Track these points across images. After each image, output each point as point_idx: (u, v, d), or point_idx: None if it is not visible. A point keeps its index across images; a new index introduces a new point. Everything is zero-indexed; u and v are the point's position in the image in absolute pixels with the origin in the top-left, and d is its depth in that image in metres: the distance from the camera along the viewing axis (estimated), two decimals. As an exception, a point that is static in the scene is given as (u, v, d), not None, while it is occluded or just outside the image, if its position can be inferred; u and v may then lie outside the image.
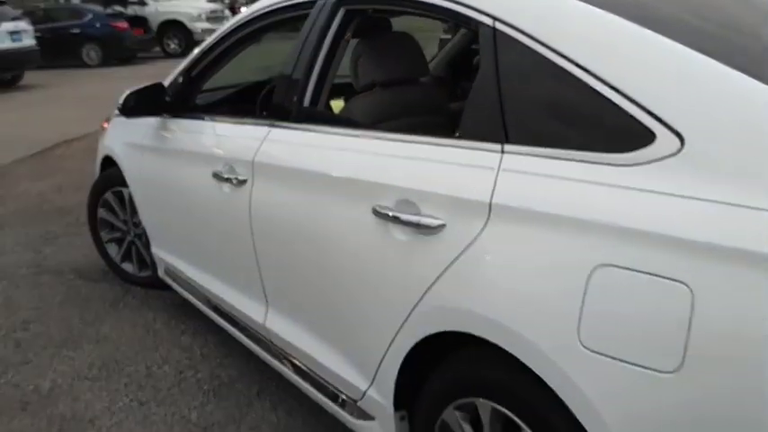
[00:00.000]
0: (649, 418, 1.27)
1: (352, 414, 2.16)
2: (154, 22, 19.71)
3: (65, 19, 18.26)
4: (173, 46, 19.40)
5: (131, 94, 3.12)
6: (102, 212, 3.97)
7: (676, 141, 1.31)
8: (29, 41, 14.48)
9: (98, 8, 18.67)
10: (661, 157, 1.32)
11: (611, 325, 1.32)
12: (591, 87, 1.46)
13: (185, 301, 3.31)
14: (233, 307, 2.76)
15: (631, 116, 1.38)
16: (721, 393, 1.19)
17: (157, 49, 19.13)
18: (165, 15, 19.80)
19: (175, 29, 19.32)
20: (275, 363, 2.57)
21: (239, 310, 2.71)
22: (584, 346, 1.34)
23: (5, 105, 12.12)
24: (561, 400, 1.40)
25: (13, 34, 13.90)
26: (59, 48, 17.22)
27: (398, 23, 2.67)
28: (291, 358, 2.45)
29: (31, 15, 17.10)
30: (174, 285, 3.38)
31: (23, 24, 14.46)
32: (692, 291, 1.20)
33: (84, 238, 4.43)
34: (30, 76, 15.09)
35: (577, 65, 1.49)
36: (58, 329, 3.47)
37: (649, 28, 1.45)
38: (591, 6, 1.56)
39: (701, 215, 1.23)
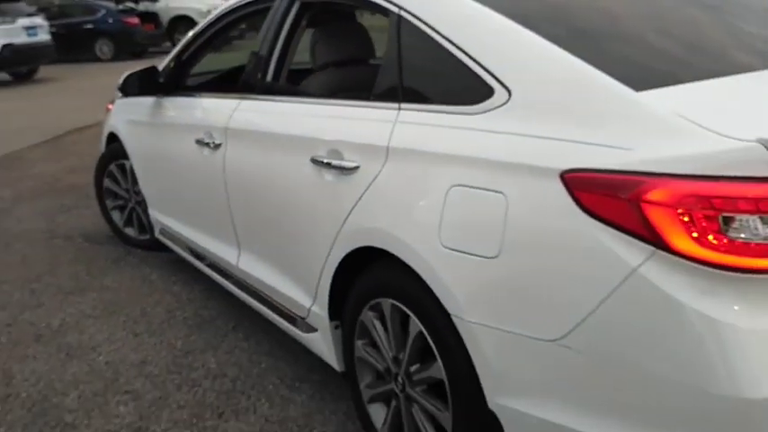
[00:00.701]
0: (484, 292, 1.77)
1: (302, 330, 2.67)
2: (164, 18, 20.35)
3: (78, 15, 18.89)
4: (182, 41, 19.95)
5: (129, 75, 3.65)
6: (107, 182, 4.51)
7: (506, 94, 1.80)
8: (44, 36, 15.10)
9: (110, 4, 19.30)
10: (496, 106, 1.82)
11: (459, 228, 1.82)
12: (456, 58, 1.95)
13: (178, 258, 3.84)
14: (214, 255, 3.28)
15: (480, 77, 1.87)
16: (529, 272, 1.68)
17: (168, 43, 19.68)
18: (175, 11, 20.44)
19: (185, 24, 19.86)
20: (246, 297, 3.08)
21: (219, 256, 3.22)
22: (443, 246, 1.84)
23: (22, 97, 12.74)
24: (430, 288, 1.90)
25: (29, 29, 14.52)
26: (73, 42, 17.86)
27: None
28: (258, 291, 2.96)
29: (46, 11, 17.73)
30: (168, 242, 3.91)
31: (39, 20, 15.08)
32: (506, 197, 1.70)
33: (93, 209, 4.96)
34: (45, 70, 15.72)
35: (449, 41, 1.99)
36: (67, 281, 4.01)
37: (504, 15, 1.95)
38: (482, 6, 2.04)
39: (516, 145, 1.72)
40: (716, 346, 1.39)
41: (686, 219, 1.40)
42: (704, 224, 1.40)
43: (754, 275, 1.39)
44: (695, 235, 1.40)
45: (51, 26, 16.01)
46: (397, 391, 2.16)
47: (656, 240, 1.44)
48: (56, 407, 2.76)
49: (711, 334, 1.40)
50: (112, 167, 4.44)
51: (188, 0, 20.43)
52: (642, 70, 1.76)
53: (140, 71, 3.65)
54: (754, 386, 1.37)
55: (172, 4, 20.62)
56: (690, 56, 1.92)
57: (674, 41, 2.00)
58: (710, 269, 1.40)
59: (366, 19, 3.34)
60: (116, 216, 4.57)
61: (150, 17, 19.65)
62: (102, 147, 4.56)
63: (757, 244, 1.38)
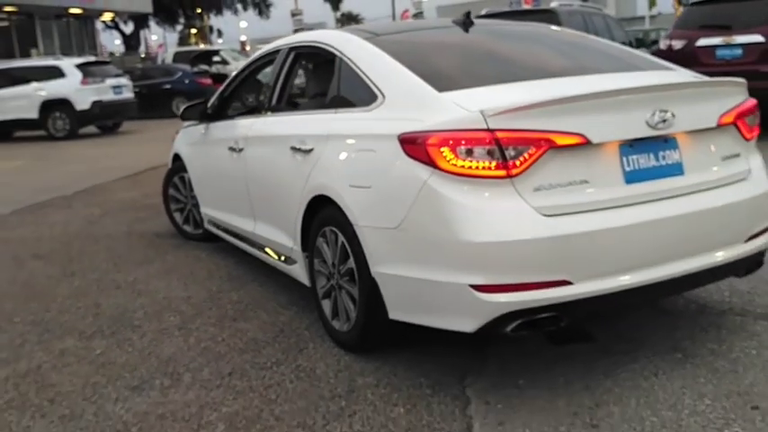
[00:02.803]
0: (365, 207, 3.10)
1: (289, 264, 4.05)
2: (234, 79, 22.47)
3: (159, 76, 21.26)
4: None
5: (187, 107, 5.20)
6: (171, 191, 6.05)
7: (382, 98, 3.19)
8: (128, 95, 17.32)
9: (186, 67, 21.61)
10: (377, 106, 3.21)
11: (355, 173, 3.18)
12: (363, 80, 3.36)
13: (220, 246, 5.29)
14: (240, 228, 4.72)
15: (372, 91, 3.27)
16: (384, 191, 3.02)
17: (236, 101, 21.68)
18: (243, 72, 22.55)
19: (252, 84, 21.87)
20: (259, 254, 4.49)
21: (243, 228, 4.66)
22: (349, 185, 3.22)
23: (107, 145, 14.81)
24: (344, 211, 3.25)
25: (115, 88, 16.74)
26: (153, 100, 20.08)
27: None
28: (265, 246, 4.37)
29: (131, 73, 20.12)
30: (212, 229, 5.38)
31: (124, 80, 17.33)
32: (376, 152, 3.06)
33: (162, 219, 6.48)
34: (128, 124, 17.92)
35: (361, 70, 3.40)
36: (139, 257, 5.51)
37: (386, 52, 3.36)
38: (370, 45, 3.47)
39: (383, 124, 3.09)
40: (460, 215, 2.72)
41: (443, 151, 2.75)
42: (450, 154, 2.73)
43: (477, 179, 2.72)
44: (448, 159, 2.74)
45: (135, 86, 18.27)
46: (334, 284, 3.51)
47: (432, 164, 2.78)
48: (128, 318, 4.20)
49: (458, 209, 2.72)
50: (176, 179, 5.98)
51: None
52: (448, 79, 3.12)
53: (194, 103, 5.19)
54: (475, 235, 2.69)
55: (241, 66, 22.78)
56: (483, 71, 3.29)
57: (477, 62, 3.38)
58: (456, 176, 2.73)
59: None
60: (177, 217, 6.08)
61: (221, 78, 21.77)
62: (169, 164, 6.12)
63: (475, 162, 2.71)
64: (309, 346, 3.60)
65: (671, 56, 9.70)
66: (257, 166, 4.29)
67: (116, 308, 4.39)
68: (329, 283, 3.57)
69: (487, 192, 2.73)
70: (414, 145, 2.85)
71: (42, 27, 27.28)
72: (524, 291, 2.70)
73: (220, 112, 5.19)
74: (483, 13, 11.85)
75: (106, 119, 17.06)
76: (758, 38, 9.00)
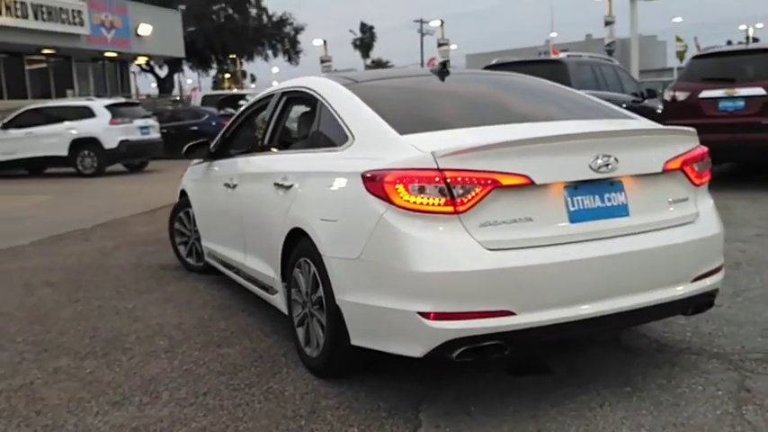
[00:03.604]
0: (331, 239, 3.34)
1: (269, 293, 4.28)
2: (259, 122, 23.10)
3: (187, 118, 21.92)
4: (273, 141, 22.61)
5: (190, 145, 5.52)
6: (176, 225, 6.35)
7: (352, 139, 3.46)
8: (155, 135, 17.92)
9: (213, 110, 22.26)
10: (348, 146, 3.47)
11: (325, 207, 3.44)
12: (338, 123, 3.63)
13: (219, 278, 5.55)
14: (233, 260, 4.98)
15: (345, 133, 3.54)
16: (346, 225, 3.25)
17: (260, 143, 22.23)
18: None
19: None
20: (248, 285, 4.73)
21: (236, 260, 4.92)
22: (320, 219, 3.47)
23: (132, 182, 15.30)
24: (314, 243, 3.50)
25: (143, 129, 17.34)
26: (180, 141, 20.31)
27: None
28: (254, 278, 4.61)
29: (160, 115, 20.80)
30: (211, 261, 5.65)
31: (151, 121, 17.95)
32: (344, 188, 3.31)
33: (169, 252, 6.78)
34: (154, 163, 18.49)
35: (338, 114, 3.68)
36: (142, 287, 5.79)
37: (360, 97, 3.63)
38: (347, 90, 3.75)
39: (350, 162, 3.34)
40: (411, 246, 2.94)
41: (397, 188, 2.99)
42: (404, 190, 2.97)
43: (428, 214, 2.95)
44: (401, 196, 2.98)
45: (164, 127, 18.89)
46: (306, 312, 3.73)
47: (388, 200, 3.02)
48: (121, 341, 4.45)
49: (409, 241, 2.95)
50: (181, 214, 6.29)
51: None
52: (411, 123, 3.37)
53: (198, 142, 5.52)
54: (424, 264, 2.91)
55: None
56: (444, 116, 3.54)
57: (440, 108, 3.65)
58: (409, 212, 2.97)
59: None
60: (182, 249, 6.38)
61: (247, 120, 22.42)
62: (176, 199, 6.44)
63: (426, 199, 2.94)
64: (283, 371, 3.81)
65: (675, 107, 9.98)
66: (247, 202, 4.56)
67: (111, 331, 4.65)
68: (303, 312, 3.79)
69: (436, 226, 2.95)
70: (373, 182, 3.09)
71: (78, 69, 28.35)
72: (468, 319, 2.90)
73: (222, 151, 5.50)
74: (493, 62, 12.20)
75: (133, 158, 17.64)
76: (760, 90, 9.18)
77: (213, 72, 52.84)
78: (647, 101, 12.54)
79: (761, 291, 4.80)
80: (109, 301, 5.45)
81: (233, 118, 5.48)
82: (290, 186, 3.86)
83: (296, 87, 4.47)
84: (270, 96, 4.83)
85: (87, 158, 16.90)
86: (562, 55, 11.62)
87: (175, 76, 47.91)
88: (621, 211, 3.19)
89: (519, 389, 3.44)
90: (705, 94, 9.68)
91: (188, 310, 5.08)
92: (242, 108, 5.34)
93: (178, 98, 37.39)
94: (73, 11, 24.68)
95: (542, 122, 3.43)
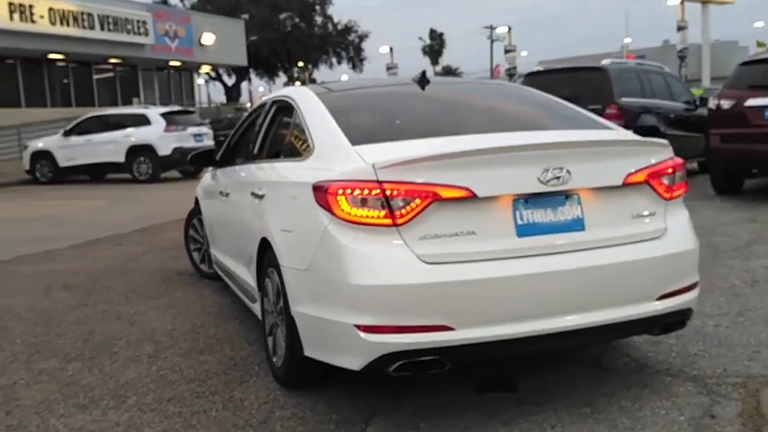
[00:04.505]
0: (286, 248, 3.34)
1: (251, 301, 4.31)
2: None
3: (243, 125, 22.31)
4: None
5: (194, 154, 5.62)
6: (190, 232, 6.47)
7: (314, 149, 3.45)
8: (208, 142, 18.32)
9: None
10: (310, 156, 3.46)
11: (283, 216, 3.44)
12: (307, 135, 3.63)
13: (225, 285, 5.63)
14: (227, 267, 5.04)
15: (309, 144, 3.53)
16: (297, 234, 3.24)
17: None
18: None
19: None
20: (238, 292, 4.78)
21: (229, 267, 4.97)
22: (281, 229, 3.47)
23: (183, 188, 15.59)
24: (275, 252, 3.50)
25: (196, 136, 17.77)
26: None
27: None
28: (242, 286, 4.65)
29: (219, 122, 21.28)
30: (215, 267, 5.73)
31: (205, 129, 18.40)
32: (297, 198, 3.30)
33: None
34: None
35: (307, 126, 3.68)
36: (151, 293, 5.92)
37: (327, 108, 3.62)
38: (317, 100, 3.75)
39: (307, 172, 3.33)
40: (350, 259, 2.91)
41: (339, 200, 2.96)
42: (345, 202, 2.94)
43: (367, 227, 2.91)
44: (342, 207, 2.95)
45: (221, 134, 19.32)
46: (274, 321, 3.74)
47: (331, 211, 3.00)
48: (111, 345, 4.55)
49: (349, 253, 2.92)
50: (195, 221, 6.41)
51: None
52: (367, 134, 3.34)
53: (202, 151, 5.62)
54: (360, 277, 2.87)
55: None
56: (403, 127, 3.49)
57: (403, 118, 3.60)
58: (350, 223, 2.94)
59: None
60: (195, 256, 6.49)
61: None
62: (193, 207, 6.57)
63: (366, 211, 2.90)
64: (251, 380, 3.83)
65: (719, 116, 9.60)
66: (234, 210, 4.62)
67: (105, 336, 4.77)
68: (272, 321, 3.80)
69: (375, 239, 2.92)
70: (320, 193, 3.07)
71: (144, 78, 29.31)
72: (405, 333, 2.85)
73: (227, 159, 5.58)
74: (535, 69, 12.01)
75: (186, 164, 18.08)
76: (808, 99, 8.75)
77: (279, 80, 53.80)
78: (699, 109, 12.11)
79: (767, 311, 4.56)
80: (115, 305, 5.59)
81: (236, 126, 5.55)
82: (263, 196, 3.88)
83: (280, 96, 4.49)
84: (263, 105, 4.87)
85: (143, 165, 17.44)
86: (605, 62, 11.30)
87: (243, 85, 49.02)
88: (576, 225, 3.08)
89: (478, 406, 3.36)
90: (751, 102, 9.28)
91: (185, 316, 5.17)
92: (244, 116, 5.41)
93: (241, 106, 38.24)
94: (138, 21, 25.56)
95: (498, 133, 3.32)
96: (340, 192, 2.96)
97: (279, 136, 4.45)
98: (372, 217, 2.91)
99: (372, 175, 2.91)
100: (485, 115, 3.80)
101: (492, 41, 73.31)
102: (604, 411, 3.22)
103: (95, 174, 18.67)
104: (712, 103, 9.90)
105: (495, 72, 53.43)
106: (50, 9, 21.87)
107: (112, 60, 26.63)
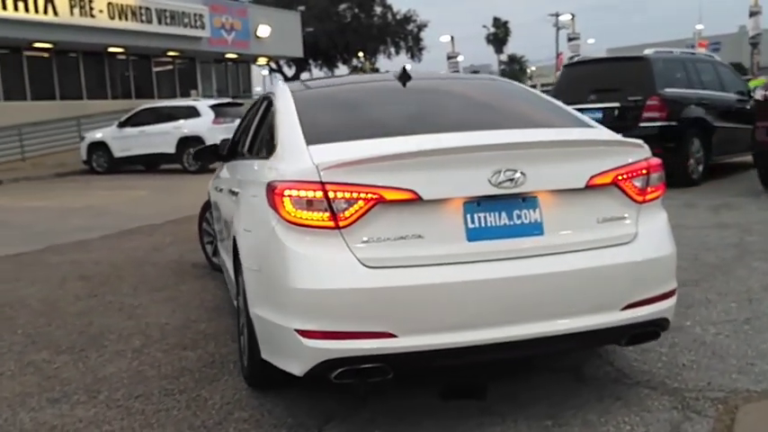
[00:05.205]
0: (245, 249, 3.29)
1: (234, 299, 4.29)
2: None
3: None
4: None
5: (197, 149, 5.64)
6: (204, 225, 6.52)
7: (278, 148, 3.38)
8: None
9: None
10: (273, 155, 3.39)
11: (245, 215, 3.39)
12: (274, 130, 3.57)
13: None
14: (221, 258, 5.04)
15: (274, 143, 3.47)
16: (252, 233, 3.18)
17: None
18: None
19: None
20: (232, 288, 4.77)
21: (222, 259, 4.97)
22: (243, 229, 3.43)
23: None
24: (239, 255, 3.46)
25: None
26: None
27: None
28: (230, 284, 4.64)
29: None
30: (218, 261, 5.74)
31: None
32: (257, 196, 3.24)
33: (208, 249, 6.99)
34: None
35: (276, 120, 3.61)
36: (158, 285, 5.98)
37: (295, 106, 3.55)
38: (290, 97, 3.68)
39: (267, 171, 3.27)
40: (291, 261, 2.84)
41: (284, 201, 2.89)
42: (289, 203, 2.87)
43: (310, 228, 2.83)
44: (286, 208, 2.88)
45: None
46: (243, 320, 3.70)
47: (277, 212, 2.93)
48: (103, 338, 4.61)
49: (290, 256, 2.85)
50: (207, 214, 6.45)
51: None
52: (324, 133, 3.24)
53: (205, 146, 5.63)
54: (300, 281, 2.80)
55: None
56: (364, 126, 3.38)
57: (367, 117, 3.50)
58: (293, 225, 2.87)
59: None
60: (208, 249, 6.54)
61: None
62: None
63: (308, 213, 2.83)
64: (223, 379, 3.81)
65: (765, 107, 9.12)
66: (224, 207, 4.61)
67: (101, 328, 4.83)
68: (241, 321, 3.77)
69: (317, 241, 2.84)
70: (269, 193, 3.01)
71: (202, 70, 29.83)
72: (345, 339, 2.76)
73: (233, 153, 5.58)
74: (575, 60, 11.64)
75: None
76: None
77: (338, 71, 53.99)
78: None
79: (777, 319, 4.29)
80: (122, 297, 5.67)
81: (240, 120, 5.54)
82: (237, 194, 3.85)
83: (268, 93, 4.45)
84: (257, 101, 4.84)
85: (192, 156, 17.73)
86: (647, 51, 10.88)
87: (303, 76, 49.38)
88: (534, 229, 2.93)
89: (440, 414, 3.25)
90: (800, 93, 8.79)
91: (182, 310, 5.20)
92: (246, 111, 5.39)
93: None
94: (194, 15, 25.99)
95: (452, 133, 3.17)
96: (286, 192, 2.89)
97: (259, 133, 4.42)
98: (315, 219, 2.83)
99: (316, 176, 2.83)
100: (449, 114, 3.66)
101: (558, 29, 71.79)
102: (567, 425, 3.06)
103: (149, 164, 19.12)
104: (759, 95, 9.42)
105: (558, 61, 52.32)
106: (109, 4, 22.47)
107: (171, 53, 27.18)
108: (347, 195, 2.79)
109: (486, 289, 2.82)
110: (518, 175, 2.85)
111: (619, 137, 3.27)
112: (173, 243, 8.17)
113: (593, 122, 3.57)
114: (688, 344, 3.92)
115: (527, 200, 2.93)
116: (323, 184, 2.81)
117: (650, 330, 3.13)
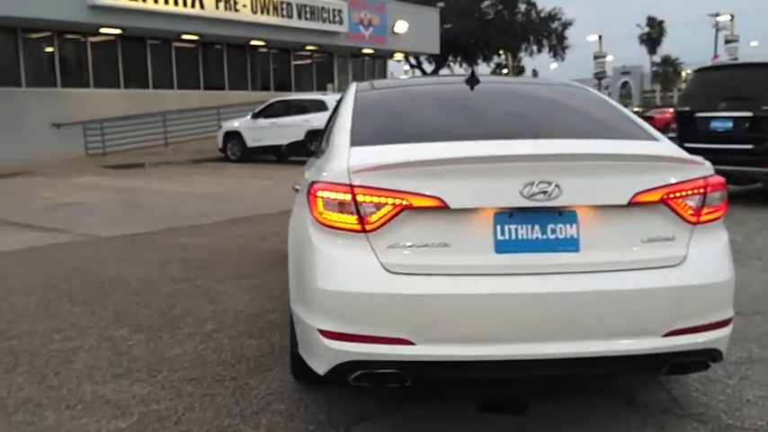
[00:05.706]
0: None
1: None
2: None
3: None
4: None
5: (288, 143, 5.81)
6: (296, 218, 6.71)
7: (328, 150, 3.42)
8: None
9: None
10: (323, 154, 3.44)
11: (294, 214, 3.46)
12: (332, 131, 3.62)
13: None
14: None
15: (328, 144, 3.51)
16: (297, 234, 3.25)
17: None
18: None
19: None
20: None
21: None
22: (291, 226, 3.50)
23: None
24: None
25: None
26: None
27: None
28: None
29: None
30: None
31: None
32: (299, 192, 3.31)
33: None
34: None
35: (336, 119, 3.66)
36: (249, 273, 6.22)
37: (354, 107, 3.57)
38: (352, 97, 3.71)
39: (317, 170, 3.32)
40: (320, 262, 2.87)
41: (317, 202, 2.92)
42: (321, 205, 2.90)
43: (339, 231, 2.85)
44: (319, 210, 2.91)
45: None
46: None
47: (312, 212, 2.97)
48: (181, 320, 4.86)
49: (319, 257, 2.88)
50: (300, 208, 6.63)
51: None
52: (371, 136, 3.22)
53: (295, 141, 5.80)
54: (326, 283, 2.82)
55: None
56: (413, 129, 3.33)
57: (419, 120, 3.45)
58: (324, 227, 2.90)
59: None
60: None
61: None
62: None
63: (338, 216, 2.84)
64: (274, 370, 3.92)
65: None
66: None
67: (182, 311, 5.10)
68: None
69: (345, 244, 2.85)
70: (308, 193, 3.06)
71: (339, 64, 30.52)
72: (363, 343, 2.76)
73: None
74: (709, 65, 10.92)
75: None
76: None
77: (479, 69, 53.56)
78: None
79: None
80: (212, 282, 5.95)
81: (329, 117, 5.65)
82: (298, 191, 3.93)
83: (344, 92, 4.51)
84: (339, 99, 4.92)
85: (319, 148, 18.25)
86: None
87: (442, 72, 49.43)
88: (569, 245, 2.80)
89: (471, 426, 3.19)
90: None
91: (262, 298, 5.38)
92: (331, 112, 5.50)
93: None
94: (334, 10, 26.62)
95: (490, 141, 3.06)
96: (318, 193, 2.93)
97: (325, 132, 4.50)
98: (343, 221, 2.85)
99: (346, 179, 2.84)
100: (498, 121, 3.53)
101: (717, 30, 67.57)
102: (596, 452, 2.92)
103: (278, 154, 19.86)
104: None
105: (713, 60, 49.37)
106: (252, -1, 23.52)
107: (309, 47, 28.02)
108: (375, 200, 2.78)
109: (512, 303, 2.73)
110: (552, 187, 2.73)
111: (677, 152, 3.05)
112: (279, 233, 8.42)
113: (659, 135, 3.35)
114: (761, 378, 3.61)
115: (564, 214, 2.80)
116: (352, 187, 2.82)
117: (697, 360, 2.91)
